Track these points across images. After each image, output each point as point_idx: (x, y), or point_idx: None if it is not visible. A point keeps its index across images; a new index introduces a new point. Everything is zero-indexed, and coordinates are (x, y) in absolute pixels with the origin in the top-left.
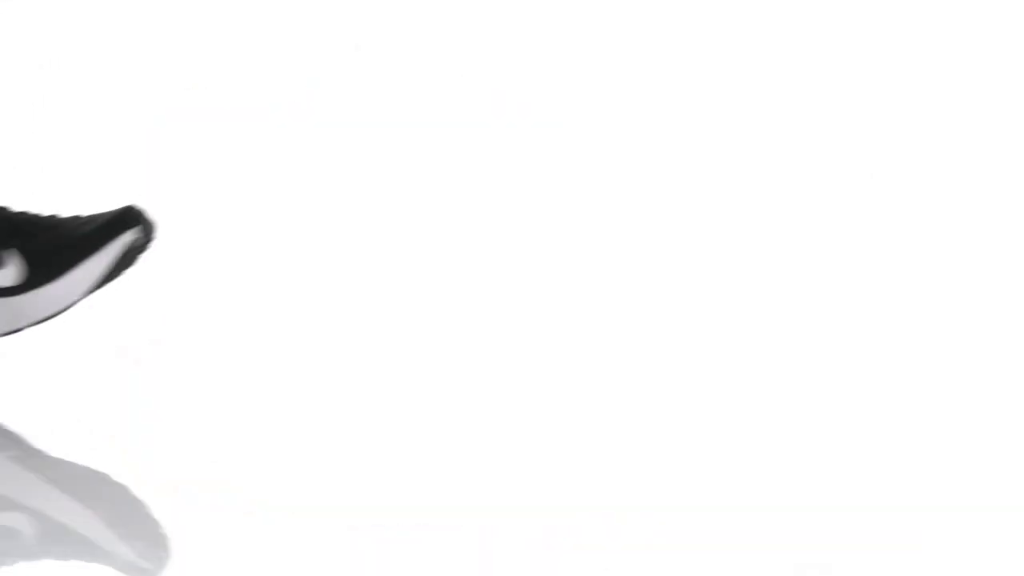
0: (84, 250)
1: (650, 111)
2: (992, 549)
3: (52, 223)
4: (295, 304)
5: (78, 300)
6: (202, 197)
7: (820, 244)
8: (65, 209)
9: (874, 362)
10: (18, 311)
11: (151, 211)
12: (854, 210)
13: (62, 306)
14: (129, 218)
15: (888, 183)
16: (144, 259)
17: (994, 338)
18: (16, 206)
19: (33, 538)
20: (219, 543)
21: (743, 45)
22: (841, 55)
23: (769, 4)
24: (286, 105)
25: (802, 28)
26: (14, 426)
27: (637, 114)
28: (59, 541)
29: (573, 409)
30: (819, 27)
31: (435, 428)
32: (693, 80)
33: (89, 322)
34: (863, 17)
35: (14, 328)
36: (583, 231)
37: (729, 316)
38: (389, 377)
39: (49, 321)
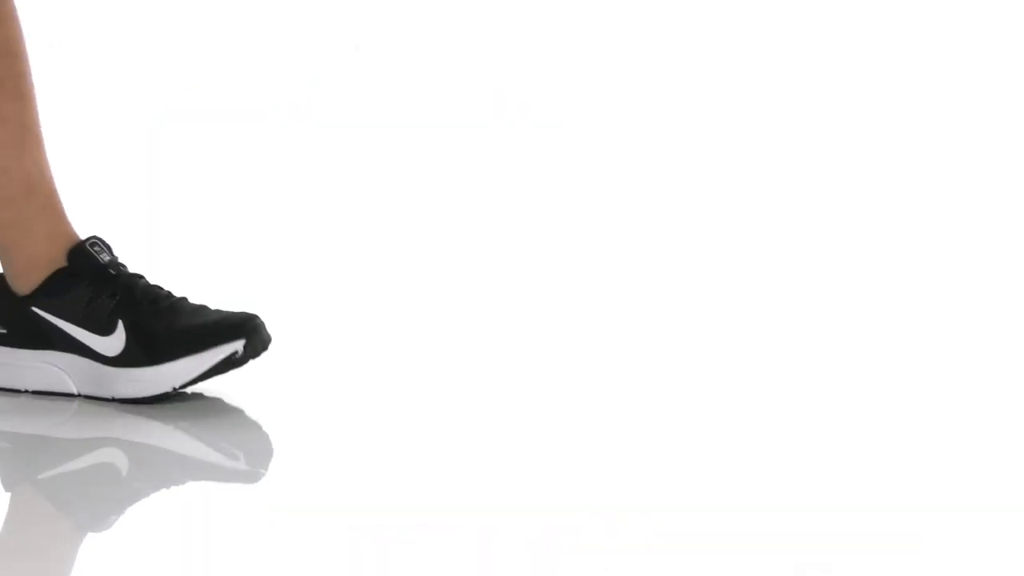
0: (186, 347)
1: (650, 111)
2: (992, 549)
3: (171, 306)
4: (295, 303)
5: (166, 392)
6: (202, 197)
7: (820, 244)
8: (192, 291)
9: (873, 362)
10: (110, 382)
11: (269, 325)
12: (854, 210)
13: (149, 393)
14: (243, 329)
15: (888, 183)
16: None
17: (994, 338)
18: (149, 277)
19: (130, 465)
20: (219, 543)
21: (743, 45)
22: (841, 55)
23: (769, 4)
24: (286, 105)
25: (802, 28)
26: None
27: (637, 114)
28: (153, 462)
29: (573, 409)
30: (819, 27)
31: (435, 428)
32: (693, 80)
33: None
34: (863, 17)
35: (101, 396)
36: (583, 231)
37: (729, 316)
38: (390, 377)
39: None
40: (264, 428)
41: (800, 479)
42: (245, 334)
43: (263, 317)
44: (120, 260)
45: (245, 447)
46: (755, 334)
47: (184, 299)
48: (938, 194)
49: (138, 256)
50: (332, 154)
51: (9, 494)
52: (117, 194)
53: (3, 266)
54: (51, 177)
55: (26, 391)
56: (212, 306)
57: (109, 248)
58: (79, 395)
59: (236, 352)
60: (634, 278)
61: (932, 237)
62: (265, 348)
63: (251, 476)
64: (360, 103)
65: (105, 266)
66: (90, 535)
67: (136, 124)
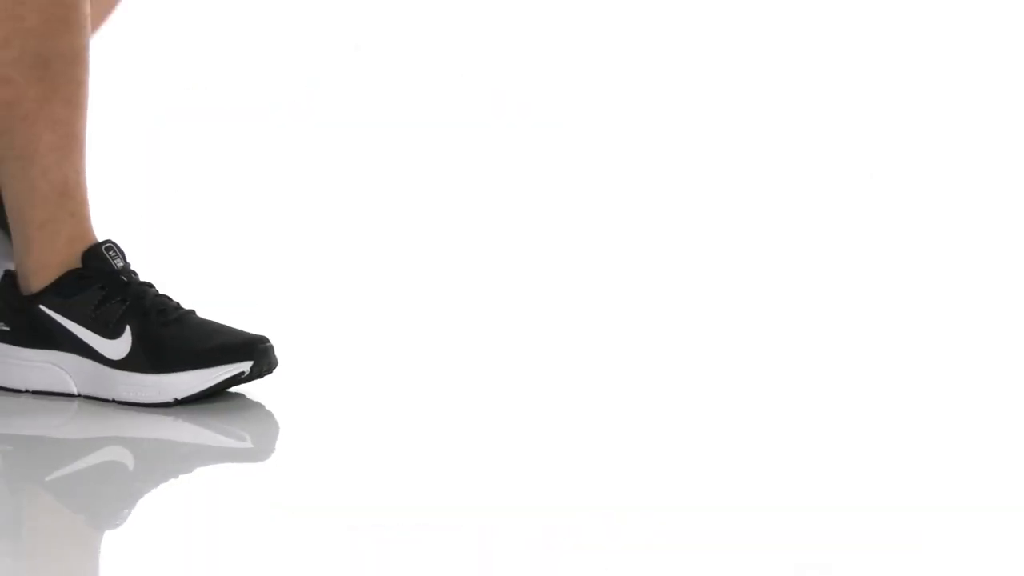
0: (193, 361)
1: (650, 111)
2: (992, 549)
3: (179, 318)
4: (294, 303)
5: (167, 402)
6: (202, 197)
7: (820, 244)
8: (191, 291)
9: (873, 362)
10: (112, 383)
11: (276, 348)
12: (854, 210)
13: (150, 400)
14: (252, 351)
15: (888, 183)
16: (141, 255)
17: (994, 338)
18: (159, 286)
19: (134, 460)
20: (225, 538)
21: (743, 45)
22: (841, 55)
23: (769, 4)
24: (286, 105)
25: (802, 28)
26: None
27: (637, 114)
28: (159, 459)
29: (573, 409)
30: (819, 27)
31: (435, 428)
32: (693, 80)
33: None
34: (863, 17)
35: (102, 396)
36: (583, 231)
37: (728, 316)
38: (390, 377)
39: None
40: (266, 423)
41: (800, 479)
42: (254, 356)
43: (272, 338)
44: (132, 267)
45: (248, 442)
46: (755, 334)
47: (192, 312)
48: (938, 194)
49: (137, 256)
50: (332, 154)
51: (17, 496)
52: (117, 194)
53: (19, 262)
54: (86, 186)
55: (26, 391)
56: (218, 320)
57: (123, 254)
58: (79, 395)
59: (243, 372)
60: (634, 278)
61: (932, 237)
62: (271, 371)
63: (254, 472)
64: (360, 103)
65: (118, 271)
66: (98, 533)
67: (136, 124)
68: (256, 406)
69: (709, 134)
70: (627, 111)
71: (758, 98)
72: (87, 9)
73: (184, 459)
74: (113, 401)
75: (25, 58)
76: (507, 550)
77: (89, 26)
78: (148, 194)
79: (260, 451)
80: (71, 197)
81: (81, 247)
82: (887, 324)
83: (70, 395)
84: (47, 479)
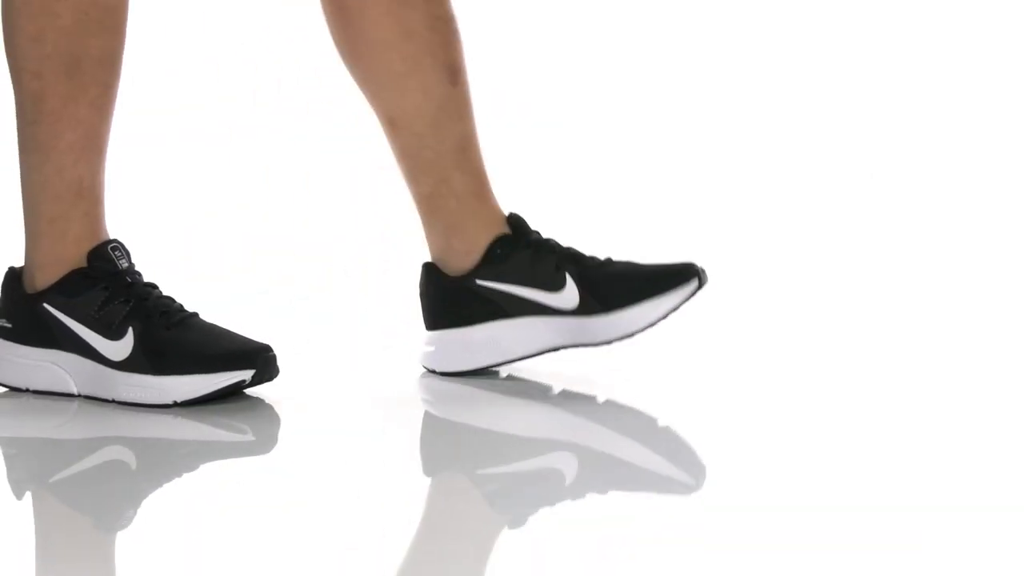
0: (195, 365)
1: (650, 111)
2: (992, 549)
3: (181, 321)
4: (293, 301)
5: (167, 404)
6: (202, 196)
7: (820, 243)
8: (189, 289)
9: (873, 362)
10: (112, 384)
11: (278, 352)
12: (854, 210)
13: (150, 401)
14: (255, 360)
15: (888, 183)
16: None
17: (994, 338)
18: (163, 288)
19: (136, 459)
20: (225, 539)
21: (743, 45)
22: (841, 55)
23: (769, 4)
24: (286, 104)
25: (802, 28)
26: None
27: (637, 114)
28: (159, 457)
29: (574, 409)
30: (819, 27)
31: (433, 426)
32: (693, 80)
33: None
34: (863, 17)
35: (102, 397)
36: (582, 230)
37: (729, 316)
38: (388, 374)
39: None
40: (267, 417)
41: (800, 479)
42: (256, 365)
43: (272, 336)
44: (136, 268)
45: (250, 435)
46: (755, 334)
47: (195, 315)
48: (938, 194)
49: (141, 257)
50: (332, 154)
51: (22, 499)
52: (115, 195)
53: (27, 256)
54: (101, 187)
55: (27, 390)
56: (221, 326)
57: (128, 255)
58: (79, 395)
59: (244, 380)
60: None
61: (931, 237)
62: (271, 379)
63: (258, 467)
64: (360, 103)
65: (122, 272)
66: (105, 534)
67: (136, 125)
68: (256, 401)
69: (710, 134)
70: (627, 111)
71: (758, 98)
72: (124, 13)
73: (186, 456)
74: (113, 401)
75: (56, 55)
76: (509, 550)
77: (124, 30)
78: (147, 194)
79: (262, 445)
80: (84, 197)
81: (88, 246)
82: (887, 324)
83: (70, 395)
84: (50, 480)
